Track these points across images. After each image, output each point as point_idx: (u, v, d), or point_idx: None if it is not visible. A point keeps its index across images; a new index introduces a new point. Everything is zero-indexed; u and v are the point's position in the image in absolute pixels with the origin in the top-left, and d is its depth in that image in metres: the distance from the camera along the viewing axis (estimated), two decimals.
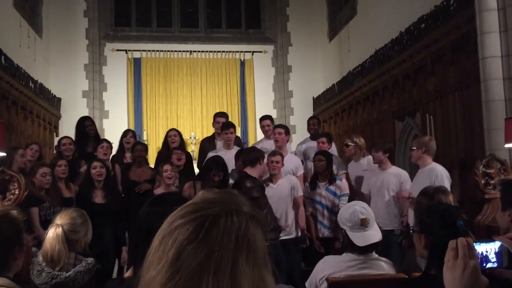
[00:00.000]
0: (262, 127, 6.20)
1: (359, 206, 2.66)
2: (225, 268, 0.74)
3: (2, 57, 7.83)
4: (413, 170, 5.62)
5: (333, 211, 5.03)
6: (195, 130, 11.56)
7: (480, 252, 1.34)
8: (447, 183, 4.36)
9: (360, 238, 2.56)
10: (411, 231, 2.22)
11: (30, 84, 9.24)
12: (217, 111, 11.39)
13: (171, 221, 0.81)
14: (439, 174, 4.43)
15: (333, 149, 6.16)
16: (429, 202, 2.70)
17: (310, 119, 6.97)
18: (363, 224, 2.55)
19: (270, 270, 0.82)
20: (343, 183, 5.19)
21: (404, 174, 5.12)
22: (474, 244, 1.13)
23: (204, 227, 0.77)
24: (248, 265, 0.77)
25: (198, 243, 0.75)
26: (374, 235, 2.59)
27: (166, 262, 0.76)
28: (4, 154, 3.26)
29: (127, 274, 1.79)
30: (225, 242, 0.76)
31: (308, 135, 6.79)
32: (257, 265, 0.78)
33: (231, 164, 5.10)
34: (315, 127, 6.66)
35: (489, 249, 1.36)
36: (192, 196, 1.07)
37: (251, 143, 10.04)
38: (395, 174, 5.07)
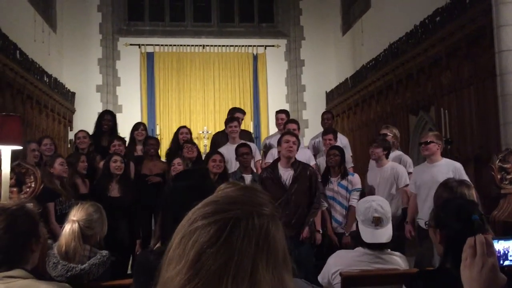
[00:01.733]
0: (277, 120, 6.24)
1: (376, 203, 2.60)
2: (244, 273, 0.74)
3: (17, 51, 7.91)
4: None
5: (345, 206, 5.02)
6: (208, 124, 11.59)
7: (498, 250, 1.32)
8: (465, 177, 4.32)
9: (369, 235, 2.54)
10: (426, 226, 2.20)
11: (45, 79, 9.33)
12: (230, 105, 11.51)
13: (192, 219, 0.80)
14: (462, 169, 4.39)
15: (345, 143, 6.13)
16: (451, 195, 2.65)
17: (324, 113, 6.94)
18: (375, 222, 2.53)
19: (290, 270, 0.81)
20: (355, 178, 5.16)
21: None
22: (493, 241, 1.11)
23: (225, 230, 0.76)
24: (268, 269, 0.76)
25: (219, 246, 0.75)
26: (383, 234, 2.54)
27: (186, 263, 0.76)
28: (21, 147, 3.30)
29: (157, 245, 1.83)
30: (245, 246, 0.76)
31: (321, 129, 6.76)
32: (278, 268, 0.78)
33: (234, 158, 5.21)
34: (329, 122, 6.62)
35: (507, 246, 1.35)
36: None
37: (263, 137, 10.04)
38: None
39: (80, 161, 5.05)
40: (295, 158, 4.62)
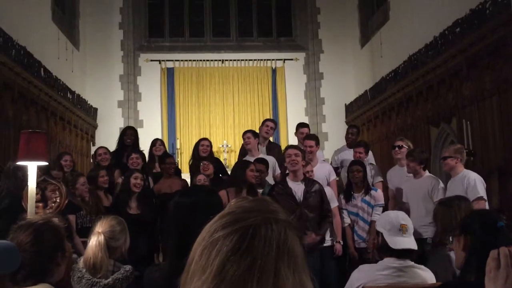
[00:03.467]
0: (300, 134, 6.21)
1: (401, 213, 2.70)
2: (268, 276, 0.77)
3: (42, 69, 8.11)
4: (448, 177, 5.49)
5: (368, 221, 4.99)
6: (227, 138, 11.65)
7: None
8: (481, 188, 4.25)
9: (397, 242, 2.54)
10: (450, 239, 2.19)
11: (68, 95, 9.53)
12: (249, 119, 11.59)
13: (211, 231, 0.83)
14: (471, 180, 4.31)
15: (370, 157, 6.09)
16: (446, 211, 2.69)
17: (349, 127, 6.86)
18: (402, 229, 2.54)
19: (308, 274, 0.84)
20: (378, 194, 5.12)
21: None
22: None
23: (247, 237, 0.79)
24: (289, 271, 0.79)
25: (242, 253, 0.78)
26: (410, 242, 2.57)
27: (210, 272, 0.78)
28: (47, 163, 3.37)
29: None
30: (267, 250, 0.78)
31: (343, 142, 6.73)
32: (298, 271, 0.80)
33: None
34: (353, 137, 6.54)
35: None
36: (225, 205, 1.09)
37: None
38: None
39: (99, 176, 5.11)
40: (304, 175, 4.69)
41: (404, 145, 5.43)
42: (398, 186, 5.34)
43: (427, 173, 5.02)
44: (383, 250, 2.60)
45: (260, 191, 4.99)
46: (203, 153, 5.99)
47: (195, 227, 0.89)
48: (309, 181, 4.65)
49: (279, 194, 4.53)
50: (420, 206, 4.80)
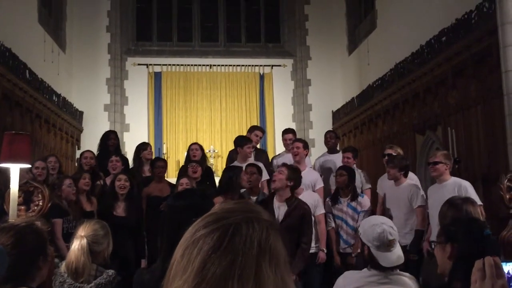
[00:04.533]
0: (284, 140, 6.24)
1: (387, 225, 2.53)
2: (249, 273, 0.76)
3: (27, 71, 8.01)
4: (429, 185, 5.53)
5: (353, 227, 5.00)
6: (214, 143, 11.62)
7: (508, 271, 1.31)
8: (475, 196, 4.27)
9: (386, 259, 2.50)
10: (432, 245, 2.18)
11: (54, 98, 9.43)
12: (237, 124, 11.59)
13: (193, 232, 0.83)
14: (464, 188, 4.34)
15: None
16: (456, 214, 2.63)
17: (327, 132, 6.96)
18: (391, 245, 2.49)
19: (290, 273, 0.84)
20: (364, 200, 5.14)
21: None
22: (502, 263, 1.10)
23: (227, 235, 0.79)
24: (271, 269, 0.79)
25: (223, 251, 0.77)
26: (396, 255, 2.51)
27: (192, 271, 0.77)
28: (30, 166, 3.32)
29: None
30: (248, 248, 0.78)
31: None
32: (280, 269, 0.80)
33: None
34: (332, 141, 6.64)
35: None
36: None
37: (270, 156, 10.01)
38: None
39: (81, 178, 5.05)
40: (296, 197, 4.44)
41: (393, 153, 5.45)
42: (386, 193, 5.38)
43: (407, 180, 5.03)
44: (371, 263, 2.56)
45: (254, 198, 4.96)
46: (193, 157, 6.04)
47: (188, 229, 0.89)
48: (294, 202, 4.36)
49: None
50: (400, 214, 4.83)
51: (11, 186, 3.12)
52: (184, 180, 5.12)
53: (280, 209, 4.34)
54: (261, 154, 6.36)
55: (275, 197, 4.46)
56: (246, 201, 0.92)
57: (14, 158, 3.09)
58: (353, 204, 5.08)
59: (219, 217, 0.83)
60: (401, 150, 5.64)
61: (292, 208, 4.31)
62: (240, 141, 5.84)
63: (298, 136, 7.16)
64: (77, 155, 9.96)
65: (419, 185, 4.99)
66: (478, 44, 6.05)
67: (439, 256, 1.99)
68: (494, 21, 5.34)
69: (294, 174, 4.44)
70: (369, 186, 5.78)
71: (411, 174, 5.42)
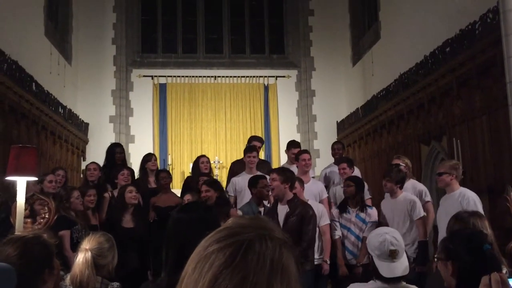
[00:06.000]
0: (292, 153, 6.18)
1: (390, 235, 2.51)
2: None
3: (33, 83, 8.08)
4: (440, 195, 5.51)
5: (360, 237, 4.98)
6: (219, 154, 11.63)
7: None
8: (480, 208, 4.24)
9: (386, 269, 2.48)
10: (435, 259, 2.16)
11: (60, 110, 9.49)
12: (241, 135, 11.60)
13: (206, 246, 0.83)
14: (470, 199, 4.29)
15: (356, 173, 6.10)
16: (462, 227, 2.62)
17: (334, 143, 6.94)
18: (392, 255, 2.47)
19: None
20: (373, 211, 5.11)
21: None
22: (508, 279, 1.10)
23: (240, 252, 0.79)
24: None
25: (235, 267, 0.77)
26: (400, 267, 2.48)
27: (202, 286, 0.77)
28: (36, 179, 3.34)
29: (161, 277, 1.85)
30: (260, 266, 0.78)
31: (332, 159, 6.76)
32: None
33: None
34: (339, 152, 6.62)
35: None
36: None
37: (274, 167, 10.01)
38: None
39: (87, 195, 5.05)
40: (297, 198, 4.55)
41: (401, 163, 5.42)
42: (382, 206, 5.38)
43: (403, 192, 5.00)
44: (374, 274, 2.55)
45: (262, 209, 4.99)
46: (204, 169, 6.03)
47: (193, 242, 0.89)
48: (295, 204, 4.45)
49: (267, 215, 4.52)
50: (400, 227, 4.78)
51: (17, 198, 3.13)
52: (187, 197, 5.12)
53: (282, 212, 4.46)
54: (263, 164, 6.36)
55: (278, 203, 4.56)
56: (260, 217, 0.91)
57: (21, 171, 3.10)
58: (362, 215, 5.05)
59: (232, 232, 0.83)
60: (408, 160, 5.60)
61: (293, 209, 4.42)
62: (244, 151, 5.92)
63: (302, 147, 7.15)
64: (83, 167, 10.02)
65: (416, 198, 4.96)
66: (483, 55, 6.06)
67: (442, 272, 1.98)
68: (498, 32, 5.34)
69: (286, 175, 4.53)
70: (369, 196, 5.75)
71: (418, 184, 5.39)
